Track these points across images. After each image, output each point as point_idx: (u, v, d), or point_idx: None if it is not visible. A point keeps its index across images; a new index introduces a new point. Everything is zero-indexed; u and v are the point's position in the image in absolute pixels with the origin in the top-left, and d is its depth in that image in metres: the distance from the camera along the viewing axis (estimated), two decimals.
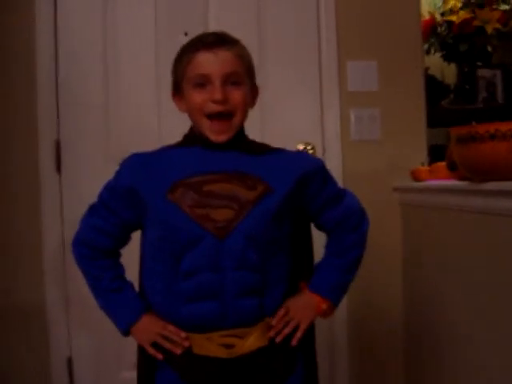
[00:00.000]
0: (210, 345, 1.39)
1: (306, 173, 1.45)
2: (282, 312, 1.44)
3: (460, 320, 1.91)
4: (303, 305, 1.48)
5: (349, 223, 1.53)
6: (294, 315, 1.46)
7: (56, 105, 2.55)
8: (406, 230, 2.57)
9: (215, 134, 1.40)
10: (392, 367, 2.64)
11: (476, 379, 1.80)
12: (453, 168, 1.86)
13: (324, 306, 1.50)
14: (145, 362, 1.50)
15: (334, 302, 1.52)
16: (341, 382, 2.64)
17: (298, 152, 1.63)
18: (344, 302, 2.46)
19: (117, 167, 1.48)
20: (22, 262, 2.53)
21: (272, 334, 1.43)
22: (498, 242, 1.62)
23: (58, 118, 2.55)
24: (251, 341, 1.40)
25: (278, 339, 1.44)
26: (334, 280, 1.52)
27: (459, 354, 1.93)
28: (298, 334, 1.47)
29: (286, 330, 1.45)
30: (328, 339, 2.59)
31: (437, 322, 2.14)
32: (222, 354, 1.39)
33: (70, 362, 2.56)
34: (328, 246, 1.57)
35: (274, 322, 1.43)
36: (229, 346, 1.39)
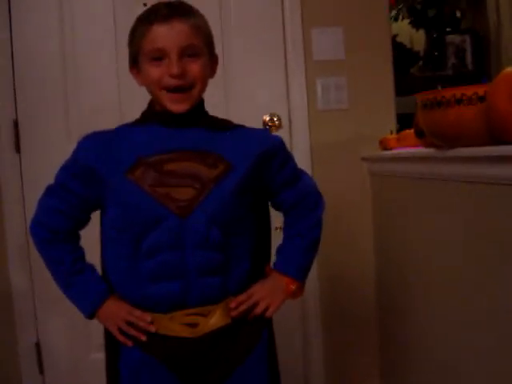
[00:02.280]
0: (174, 324, 1.39)
1: (267, 151, 1.45)
2: (243, 296, 1.44)
3: (431, 283, 1.91)
4: (272, 287, 1.49)
5: (305, 204, 1.54)
6: (263, 298, 1.47)
7: (12, 84, 2.46)
8: (375, 200, 2.55)
9: (174, 103, 1.38)
10: (366, 334, 2.63)
11: (450, 338, 1.79)
12: (420, 135, 1.83)
13: (293, 286, 1.51)
14: (110, 341, 1.48)
15: (302, 282, 1.53)
16: (314, 354, 2.63)
17: (259, 130, 1.59)
18: (315, 274, 2.45)
19: None
20: None
21: (234, 314, 1.42)
22: (466, 207, 1.60)
23: (14, 97, 2.47)
24: (214, 319, 1.40)
25: (250, 317, 1.45)
26: (300, 260, 1.53)
27: (433, 315, 1.92)
28: (267, 316, 1.48)
29: (258, 310, 1.46)
30: (300, 310, 2.58)
31: (409, 287, 2.14)
32: (186, 333, 1.39)
33: (38, 347, 2.52)
34: (287, 228, 1.57)
35: (232, 304, 1.42)
36: (192, 325, 1.39)
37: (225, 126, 1.47)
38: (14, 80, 2.46)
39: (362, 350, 2.64)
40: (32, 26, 2.47)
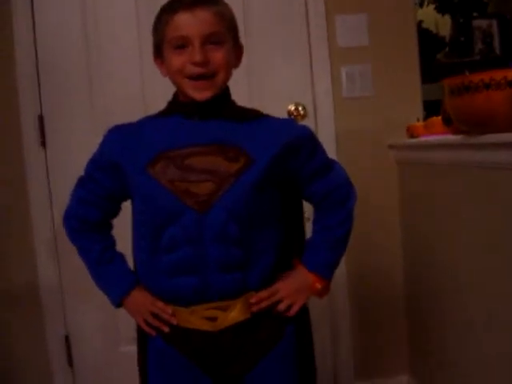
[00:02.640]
0: (194, 318, 1.39)
1: (292, 142, 1.41)
2: (265, 293, 1.42)
3: (461, 274, 1.88)
4: (297, 285, 1.46)
5: (336, 196, 1.50)
6: (287, 296, 1.44)
7: (37, 79, 2.47)
8: (402, 188, 2.52)
9: (198, 91, 1.35)
10: (395, 328, 2.61)
11: (479, 328, 1.78)
12: (448, 122, 1.80)
13: (319, 285, 1.48)
14: (140, 332, 1.51)
15: (329, 280, 1.50)
16: (343, 349, 2.62)
17: (285, 120, 1.56)
18: (343, 263, 2.43)
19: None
20: (12, 240, 2.48)
21: (254, 309, 1.41)
22: (497, 195, 1.57)
23: (39, 92, 2.48)
24: (234, 313, 1.39)
25: (274, 312, 1.43)
26: (329, 257, 1.50)
27: (464, 309, 1.89)
28: (291, 313, 1.45)
29: (281, 306, 1.44)
30: (328, 302, 2.55)
31: (438, 278, 2.11)
32: (206, 326, 1.39)
33: (67, 339, 2.53)
34: (317, 221, 1.53)
35: (253, 299, 1.40)
36: (212, 319, 1.38)
37: (249, 116, 1.44)
38: (38, 75, 2.46)
39: (391, 344, 2.62)
40: (55, 19, 2.46)
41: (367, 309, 2.61)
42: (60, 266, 2.49)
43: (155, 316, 1.43)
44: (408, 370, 2.61)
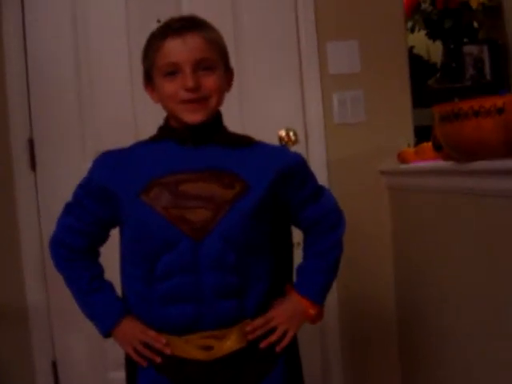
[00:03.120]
0: (189, 347, 1.36)
1: (286, 170, 1.41)
2: (260, 321, 1.40)
3: (453, 299, 1.88)
4: (291, 313, 1.45)
5: (328, 222, 1.50)
6: (281, 323, 1.43)
7: (27, 103, 2.48)
8: (394, 214, 2.52)
9: (190, 113, 1.35)
10: (386, 351, 2.59)
11: (471, 352, 1.76)
12: (438, 148, 1.80)
13: (313, 311, 1.47)
14: (129, 360, 1.47)
15: (322, 305, 1.49)
16: (335, 372, 2.59)
17: (278, 147, 1.56)
18: (334, 289, 2.42)
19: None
20: (1, 264, 2.46)
21: (250, 337, 1.39)
22: (486, 222, 1.57)
23: (29, 116, 2.48)
24: (230, 342, 1.37)
25: (263, 345, 1.41)
26: (321, 282, 1.49)
27: (455, 331, 1.89)
28: (285, 343, 1.44)
29: (273, 337, 1.42)
30: (319, 328, 2.52)
31: (430, 303, 2.10)
32: (201, 356, 1.37)
33: (54, 365, 2.50)
34: (309, 247, 1.53)
35: (248, 328, 1.39)
36: (207, 348, 1.36)
37: (242, 142, 1.43)
38: (28, 99, 2.47)
39: (383, 369, 2.59)
40: (46, 43, 2.48)
41: (358, 333, 2.59)
42: (48, 290, 2.47)
43: (146, 346, 1.39)
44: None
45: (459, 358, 1.85)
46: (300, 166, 1.46)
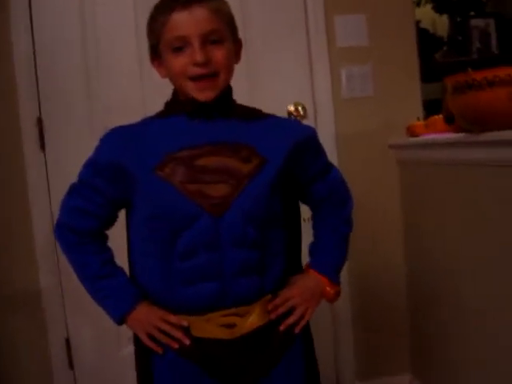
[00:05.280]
0: (211, 326, 1.33)
1: (301, 141, 1.39)
2: (279, 300, 1.39)
3: (465, 275, 1.87)
4: (312, 291, 1.45)
5: (336, 198, 1.50)
6: (301, 303, 1.42)
7: (36, 82, 2.45)
8: (404, 187, 2.52)
9: (200, 92, 1.30)
10: (397, 332, 2.61)
11: (481, 328, 1.78)
12: (450, 120, 1.79)
13: (331, 290, 1.46)
14: (140, 346, 1.41)
15: (338, 284, 1.49)
16: (345, 351, 2.62)
17: (292, 120, 1.55)
18: (344, 268, 2.42)
19: None
20: (12, 246, 2.45)
21: (273, 316, 1.38)
22: (501, 193, 1.56)
23: (38, 95, 2.46)
24: (252, 319, 1.35)
25: (283, 327, 1.40)
26: (337, 261, 1.50)
27: (466, 310, 1.89)
28: (303, 322, 1.43)
29: (291, 319, 1.40)
30: (330, 304, 2.52)
31: (441, 279, 2.11)
32: (224, 334, 1.33)
33: (68, 342, 2.52)
34: (319, 224, 1.52)
35: (270, 306, 1.38)
36: (230, 326, 1.33)
37: (255, 115, 1.40)
38: (36, 78, 2.45)
39: (394, 344, 2.61)
40: (53, 23, 2.45)
41: (369, 310, 2.60)
42: (60, 270, 2.46)
43: (164, 333, 1.35)
44: (410, 369, 2.60)
45: (469, 331, 1.86)
46: (314, 140, 1.44)
